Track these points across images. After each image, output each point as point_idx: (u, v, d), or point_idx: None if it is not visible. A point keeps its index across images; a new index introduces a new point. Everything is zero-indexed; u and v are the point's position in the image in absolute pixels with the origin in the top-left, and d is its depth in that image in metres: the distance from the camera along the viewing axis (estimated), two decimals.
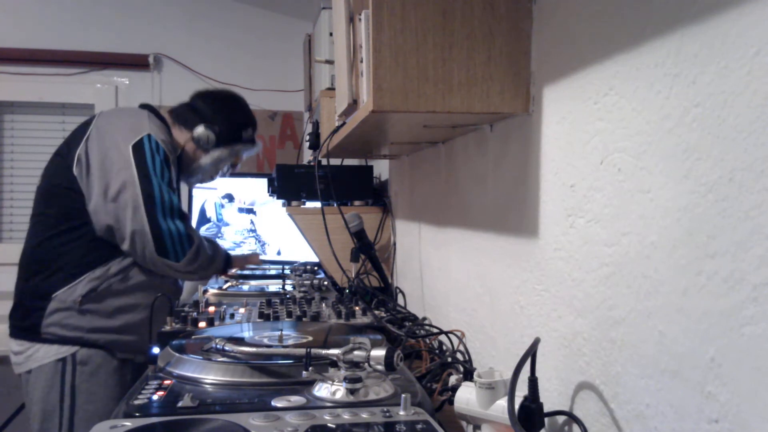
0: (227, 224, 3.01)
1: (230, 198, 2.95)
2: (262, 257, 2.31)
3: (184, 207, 3.46)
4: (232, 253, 2.04)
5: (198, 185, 2.17)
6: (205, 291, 1.88)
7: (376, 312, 1.60)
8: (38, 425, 1.72)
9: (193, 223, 3.09)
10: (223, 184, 2.94)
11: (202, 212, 2.95)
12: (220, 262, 1.89)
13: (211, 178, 2.07)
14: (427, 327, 1.54)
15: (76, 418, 1.70)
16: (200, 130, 1.91)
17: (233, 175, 3.71)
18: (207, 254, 1.82)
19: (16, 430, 2.18)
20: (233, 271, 2.02)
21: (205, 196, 2.92)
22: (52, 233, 1.76)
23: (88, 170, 1.73)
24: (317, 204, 2.04)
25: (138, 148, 1.72)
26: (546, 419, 0.87)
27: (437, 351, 1.39)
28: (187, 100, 2.02)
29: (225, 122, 1.96)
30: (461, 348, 1.33)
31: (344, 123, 1.41)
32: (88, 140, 1.76)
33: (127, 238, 1.70)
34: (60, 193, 1.78)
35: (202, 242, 1.80)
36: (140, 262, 1.76)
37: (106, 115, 1.85)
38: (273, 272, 2.36)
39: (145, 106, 1.92)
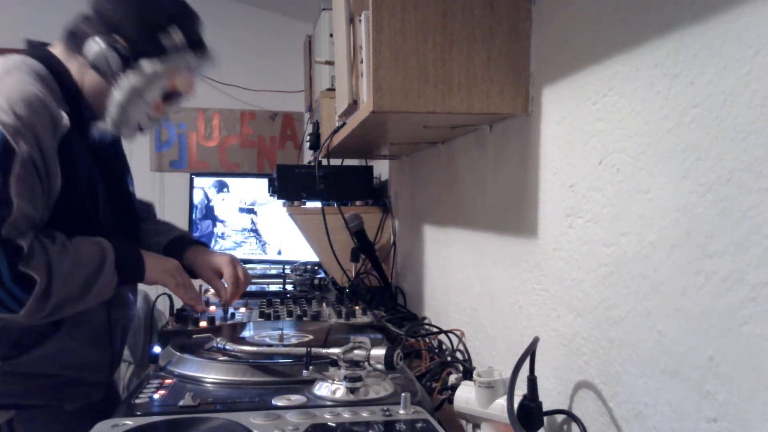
0: (219, 219, 2.98)
1: (220, 186, 2.81)
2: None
3: (182, 200, 3.49)
4: (148, 254, 1.30)
5: (139, 133, 1.33)
6: (206, 291, 1.88)
7: (376, 311, 1.60)
8: None
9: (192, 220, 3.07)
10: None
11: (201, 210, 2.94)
12: (108, 281, 1.20)
13: (153, 120, 1.32)
14: (426, 326, 1.55)
15: None
16: (94, 49, 1.20)
17: (235, 175, 3.72)
18: (67, 289, 1.14)
19: None
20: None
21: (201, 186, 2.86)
22: None
23: None
24: (317, 204, 2.04)
25: None
26: (545, 418, 0.87)
27: (437, 350, 1.39)
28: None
29: (128, 24, 1.22)
30: (461, 347, 1.33)
31: (344, 123, 1.41)
32: None
33: None
34: None
35: (56, 275, 1.11)
36: None
37: None
38: (274, 272, 2.37)
39: (31, 46, 1.28)
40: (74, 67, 1.25)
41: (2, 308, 1.09)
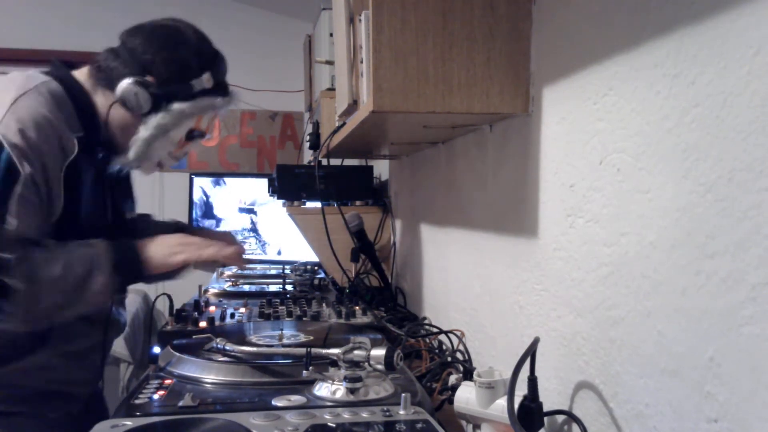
0: (219, 218, 2.97)
1: (217, 181, 2.76)
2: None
3: (182, 199, 3.48)
4: (153, 249, 1.25)
5: (158, 169, 1.38)
6: (206, 291, 1.88)
7: (376, 312, 1.60)
8: None
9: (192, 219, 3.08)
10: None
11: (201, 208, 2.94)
12: (104, 282, 1.17)
13: (173, 157, 1.36)
14: (426, 327, 1.55)
15: None
16: (125, 86, 1.22)
17: (234, 175, 3.73)
18: (55, 294, 1.14)
19: None
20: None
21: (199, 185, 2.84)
22: None
23: None
24: (317, 204, 2.04)
25: None
26: (545, 418, 0.87)
27: (437, 350, 1.39)
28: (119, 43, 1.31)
29: (161, 67, 1.24)
30: (461, 347, 1.33)
31: (344, 123, 1.41)
32: None
33: None
34: None
35: (41, 280, 1.11)
36: None
37: None
38: (273, 272, 2.37)
39: (55, 67, 1.28)
40: (100, 99, 1.26)
41: None
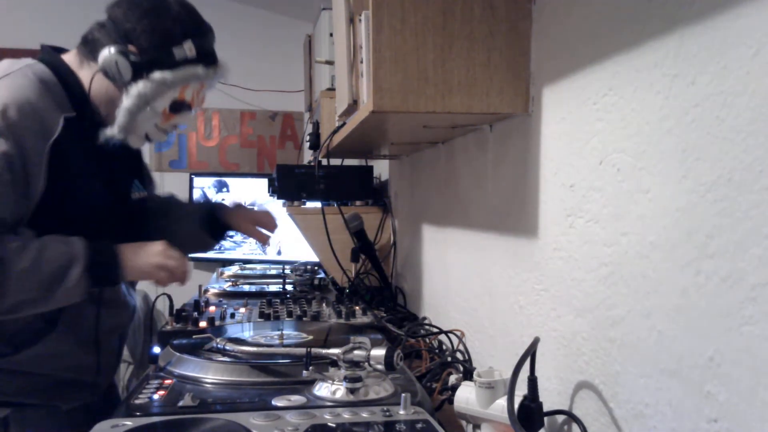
0: None
1: (221, 186, 2.78)
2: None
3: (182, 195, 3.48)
4: (132, 259, 1.23)
5: (147, 143, 1.35)
6: (206, 291, 1.88)
7: (376, 312, 1.60)
8: None
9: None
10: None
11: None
12: (76, 283, 1.15)
13: (161, 130, 1.33)
14: (426, 327, 1.55)
15: None
16: (105, 55, 1.22)
17: (234, 175, 3.72)
18: (24, 287, 1.11)
19: None
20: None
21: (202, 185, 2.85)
22: None
23: None
24: (317, 204, 2.04)
25: None
26: (545, 418, 0.87)
27: (437, 350, 1.39)
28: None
29: (143, 35, 1.23)
30: (461, 347, 1.33)
31: (344, 123, 1.41)
32: None
33: None
34: None
35: (10, 272, 1.09)
36: None
37: None
38: (273, 272, 2.37)
39: (45, 52, 1.30)
40: (85, 73, 1.26)
41: None
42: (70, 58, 1.28)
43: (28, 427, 1.25)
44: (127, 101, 1.23)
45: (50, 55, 1.27)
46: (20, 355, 1.22)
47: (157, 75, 1.23)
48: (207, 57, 1.30)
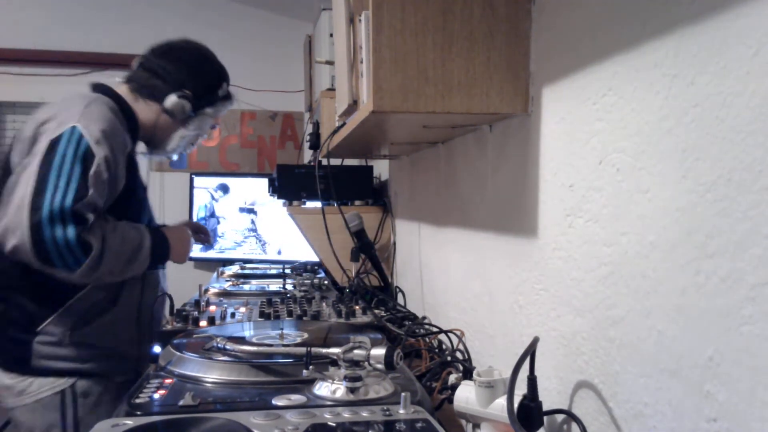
0: (220, 217, 3.00)
1: (225, 189, 2.87)
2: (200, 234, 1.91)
3: (182, 199, 3.49)
4: (170, 236, 1.66)
5: (179, 155, 1.84)
6: (206, 290, 1.88)
7: (376, 311, 1.60)
8: None
9: (195, 218, 3.11)
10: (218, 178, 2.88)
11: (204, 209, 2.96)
12: (144, 261, 1.54)
13: (193, 146, 1.83)
14: (426, 326, 1.55)
15: None
16: (173, 100, 1.64)
17: (235, 175, 3.73)
18: (113, 260, 1.46)
19: None
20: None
21: (202, 188, 2.88)
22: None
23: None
24: (317, 204, 2.04)
25: (54, 144, 1.43)
26: (545, 418, 0.87)
27: (437, 350, 1.39)
28: (142, 61, 1.70)
29: (197, 84, 1.67)
30: (461, 347, 1.33)
31: (344, 123, 1.41)
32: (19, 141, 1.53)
33: (9, 246, 1.38)
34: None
35: (109, 245, 1.44)
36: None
37: (47, 107, 1.56)
38: (273, 272, 2.37)
39: (98, 87, 1.63)
40: (141, 107, 1.66)
41: (64, 266, 1.40)
42: (122, 93, 1.65)
43: (90, 395, 1.56)
44: (185, 132, 1.71)
45: (110, 91, 1.63)
46: (88, 327, 1.54)
47: (207, 111, 1.72)
48: (231, 93, 1.78)
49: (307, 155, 2.93)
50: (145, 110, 1.65)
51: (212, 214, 3.29)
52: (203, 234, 1.95)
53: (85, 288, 1.52)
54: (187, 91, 1.65)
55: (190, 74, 1.67)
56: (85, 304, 1.53)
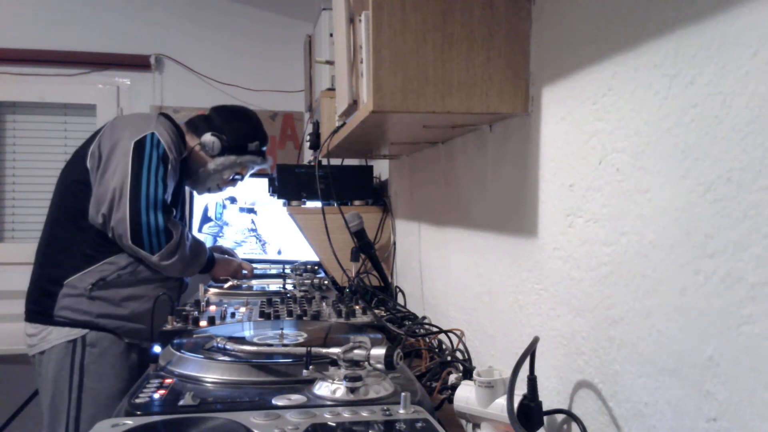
0: (227, 224, 3.03)
1: (232, 199, 3.01)
2: (246, 270, 2.29)
3: (183, 207, 3.51)
4: (218, 257, 2.17)
5: (206, 193, 2.24)
6: (207, 290, 1.88)
7: (376, 311, 1.60)
8: (49, 401, 1.86)
9: (196, 223, 3.13)
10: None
11: (205, 212, 2.97)
12: (201, 263, 2.03)
13: (219, 188, 2.19)
14: (426, 326, 1.55)
15: (84, 396, 1.84)
16: (207, 136, 2.07)
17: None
18: (185, 253, 1.90)
19: (27, 418, 2.25)
20: (221, 276, 2.16)
21: (209, 198, 2.95)
22: (67, 224, 1.93)
23: (99, 162, 1.89)
24: (317, 204, 2.05)
25: (140, 143, 1.86)
26: (545, 418, 0.87)
27: (437, 350, 1.39)
28: (203, 112, 2.20)
29: (232, 132, 2.10)
30: (461, 347, 1.33)
31: (344, 123, 1.41)
32: (102, 136, 1.93)
33: (110, 223, 1.82)
34: (73, 186, 1.94)
35: (184, 241, 1.89)
36: (125, 249, 1.88)
37: (122, 116, 2.09)
38: (273, 272, 2.36)
39: (163, 114, 2.05)
40: (188, 138, 2.10)
41: (149, 247, 1.82)
42: (182, 125, 2.11)
43: (97, 346, 1.86)
44: (212, 165, 2.10)
45: (171, 118, 2.05)
46: (109, 290, 1.88)
47: (232, 156, 2.10)
48: (262, 153, 2.18)
49: (307, 155, 2.94)
50: (189, 140, 2.10)
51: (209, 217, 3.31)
52: (247, 271, 2.28)
53: (110, 258, 1.88)
54: (221, 135, 2.08)
55: (229, 124, 2.11)
56: (112, 269, 1.88)
